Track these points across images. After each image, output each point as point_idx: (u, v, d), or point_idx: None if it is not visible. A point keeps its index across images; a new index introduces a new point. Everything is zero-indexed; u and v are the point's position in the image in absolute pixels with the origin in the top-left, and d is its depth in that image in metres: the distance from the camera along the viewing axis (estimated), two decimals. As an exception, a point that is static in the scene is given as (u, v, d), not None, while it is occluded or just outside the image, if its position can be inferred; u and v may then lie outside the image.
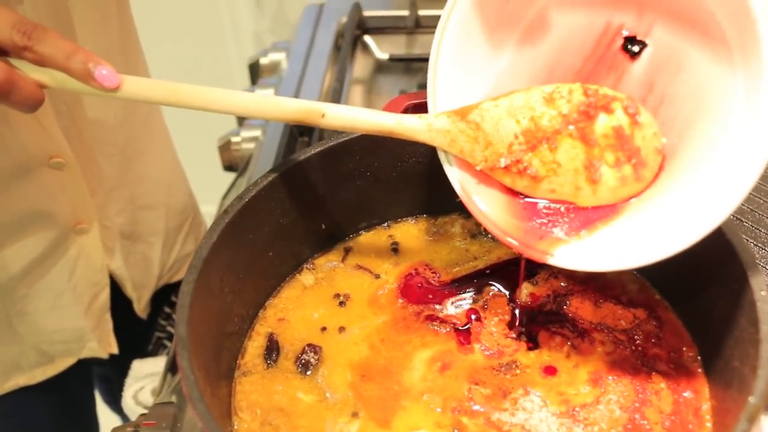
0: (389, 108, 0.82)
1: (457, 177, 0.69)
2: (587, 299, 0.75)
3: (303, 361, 0.71)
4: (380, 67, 1.36)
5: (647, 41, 0.67)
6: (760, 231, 0.88)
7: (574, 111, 0.66)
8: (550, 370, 0.70)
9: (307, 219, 0.78)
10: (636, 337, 0.71)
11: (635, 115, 0.65)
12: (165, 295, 1.25)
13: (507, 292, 0.77)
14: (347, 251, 0.82)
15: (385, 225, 0.84)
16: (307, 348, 0.72)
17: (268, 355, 0.72)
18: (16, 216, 0.96)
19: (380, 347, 0.73)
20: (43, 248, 1.00)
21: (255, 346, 0.73)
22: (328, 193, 0.78)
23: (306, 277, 0.79)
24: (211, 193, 1.49)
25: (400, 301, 0.77)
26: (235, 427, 0.67)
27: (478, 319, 0.75)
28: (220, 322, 0.69)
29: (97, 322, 1.11)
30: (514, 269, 0.77)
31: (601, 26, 0.68)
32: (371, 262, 0.80)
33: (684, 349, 0.70)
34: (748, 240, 0.86)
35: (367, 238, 0.83)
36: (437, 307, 0.76)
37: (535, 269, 0.78)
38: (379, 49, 1.37)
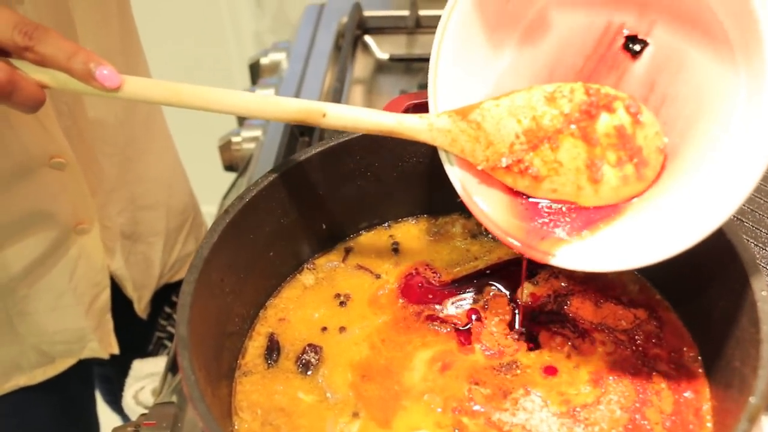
0: (390, 108, 0.82)
1: (458, 177, 0.69)
2: (588, 299, 0.75)
3: (303, 361, 0.71)
4: (381, 67, 1.36)
5: (648, 40, 0.67)
6: (761, 231, 0.87)
7: (576, 110, 0.66)
8: (550, 370, 0.70)
9: (307, 219, 0.78)
10: (637, 337, 0.71)
11: (637, 114, 0.65)
12: (165, 295, 1.25)
13: (507, 293, 0.77)
14: (348, 251, 0.82)
15: (386, 225, 0.84)
16: (307, 348, 0.72)
17: (268, 355, 0.72)
18: (17, 216, 0.96)
19: (381, 347, 0.73)
20: (44, 248, 1.00)
21: (255, 346, 0.73)
22: (329, 193, 0.78)
23: (306, 277, 0.79)
24: (212, 193, 1.49)
25: (401, 301, 0.77)
26: (236, 427, 0.67)
27: (479, 319, 0.75)
28: (221, 322, 0.69)
29: (98, 322, 1.11)
30: (514, 269, 0.77)
31: (602, 25, 0.68)
32: (372, 262, 0.80)
33: (685, 349, 0.70)
34: (748, 240, 0.86)
35: (367, 238, 0.83)
36: (438, 307, 0.76)
37: (535, 269, 0.78)
38: (380, 49, 1.37)
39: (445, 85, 0.69)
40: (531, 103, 0.66)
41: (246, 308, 0.74)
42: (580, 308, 0.74)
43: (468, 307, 0.76)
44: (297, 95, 1.27)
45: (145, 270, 1.18)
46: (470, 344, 0.72)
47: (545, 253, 0.65)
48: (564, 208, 0.68)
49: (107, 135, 1.04)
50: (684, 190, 0.63)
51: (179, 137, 1.25)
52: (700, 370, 0.69)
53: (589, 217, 0.66)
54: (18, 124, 0.90)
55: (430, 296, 0.77)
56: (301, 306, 0.77)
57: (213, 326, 0.67)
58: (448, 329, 0.74)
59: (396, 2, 1.49)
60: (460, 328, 0.74)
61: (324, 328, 0.74)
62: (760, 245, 0.86)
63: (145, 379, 1.13)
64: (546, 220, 0.67)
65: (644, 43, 0.67)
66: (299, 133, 1.15)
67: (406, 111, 0.84)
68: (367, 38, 1.40)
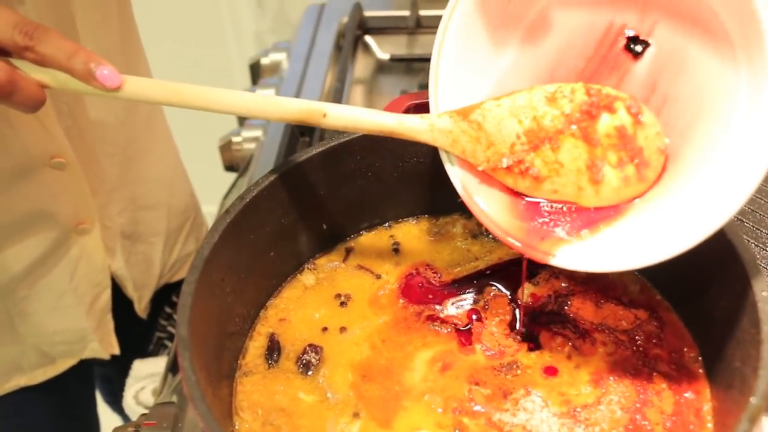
0: (390, 108, 0.82)
1: (458, 177, 0.69)
2: (588, 300, 0.75)
3: (304, 361, 0.71)
4: (381, 68, 1.36)
5: (650, 41, 0.67)
6: (761, 232, 0.87)
7: (577, 110, 0.66)
8: (551, 371, 0.70)
9: (308, 219, 0.78)
10: (637, 337, 0.71)
11: (638, 114, 0.65)
12: (165, 295, 1.25)
13: (508, 293, 0.77)
14: (348, 251, 0.82)
15: (387, 225, 0.84)
16: (308, 348, 0.72)
17: (269, 356, 0.72)
18: (18, 216, 0.96)
19: (381, 347, 0.73)
20: (45, 248, 1.00)
21: (256, 346, 0.73)
22: (330, 193, 0.78)
23: (307, 277, 0.79)
24: (212, 192, 1.49)
25: (401, 301, 0.77)
26: (237, 427, 0.67)
27: (479, 319, 0.75)
28: (222, 322, 0.69)
29: (99, 322, 1.11)
30: (515, 269, 0.77)
31: (603, 26, 0.68)
32: (372, 263, 0.80)
33: (685, 349, 0.70)
34: (749, 241, 0.86)
35: (368, 238, 0.83)
36: (438, 307, 0.76)
37: (535, 269, 0.78)
38: (380, 49, 1.37)
39: (447, 85, 0.69)
40: (532, 104, 0.66)
41: (246, 308, 0.74)
42: (581, 308, 0.74)
43: (468, 307, 0.76)
44: (297, 95, 1.27)
45: (145, 270, 1.18)
46: (471, 344, 0.72)
47: (545, 253, 0.65)
48: (564, 208, 0.68)
49: (108, 135, 1.04)
50: (685, 191, 0.63)
51: (180, 137, 1.25)
52: (701, 371, 0.68)
53: (590, 217, 0.66)
54: (18, 123, 0.90)
55: (431, 296, 0.77)
56: (301, 306, 0.77)
57: (214, 326, 0.67)
58: (449, 329, 0.74)
59: (396, 2, 1.49)
60: (461, 328, 0.74)
61: (324, 329, 0.75)
62: (760, 245, 0.86)
63: (145, 379, 1.13)
64: (546, 220, 0.67)
65: (646, 44, 0.67)
66: (300, 133, 1.15)
67: (407, 111, 0.84)
68: (368, 38, 1.40)
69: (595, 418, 0.65)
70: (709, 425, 0.64)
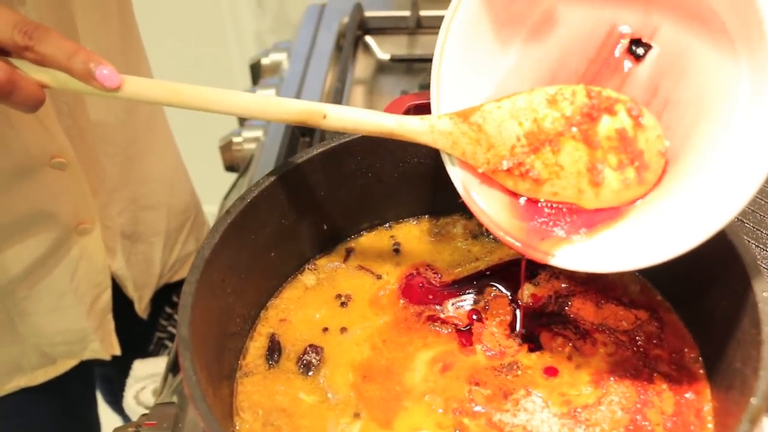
0: (391, 109, 0.82)
1: (459, 177, 0.69)
2: (589, 300, 0.75)
3: (305, 361, 0.71)
4: (381, 68, 1.37)
5: (652, 44, 0.67)
6: (762, 232, 0.87)
7: (577, 113, 0.65)
8: (551, 371, 0.70)
9: (308, 219, 0.78)
10: (637, 338, 0.72)
11: (638, 117, 0.65)
12: (165, 295, 1.25)
13: (508, 293, 0.77)
14: (349, 252, 0.82)
15: (387, 226, 0.84)
16: (308, 348, 0.72)
17: (269, 356, 0.72)
18: (18, 216, 0.96)
19: (382, 348, 0.73)
20: (45, 249, 1.00)
21: (257, 346, 0.73)
22: (330, 193, 0.78)
23: (308, 278, 0.79)
24: (213, 192, 1.49)
25: (402, 301, 0.77)
26: (237, 427, 0.67)
27: (480, 319, 0.75)
28: (222, 322, 0.69)
29: (100, 322, 1.11)
30: (515, 270, 0.77)
31: (605, 29, 0.68)
32: (373, 263, 0.80)
33: (686, 350, 0.70)
34: (749, 241, 0.86)
35: (368, 238, 0.83)
36: (438, 307, 0.76)
37: (536, 270, 0.78)
38: (381, 49, 1.38)
39: (448, 84, 0.69)
40: (532, 106, 0.66)
41: (247, 309, 0.74)
42: (581, 309, 0.74)
43: (469, 307, 0.76)
44: (298, 95, 1.27)
45: (145, 270, 1.18)
46: (471, 345, 0.73)
47: (545, 253, 0.65)
48: (564, 209, 0.67)
49: (109, 135, 1.04)
50: (686, 192, 0.63)
51: (180, 137, 1.25)
52: (701, 371, 0.69)
53: (590, 218, 0.66)
54: (18, 123, 0.90)
55: (431, 297, 0.77)
56: (302, 306, 0.77)
57: (214, 327, 0.67)
58: (449, 330, 0.74)
59: (397, 3, 1.49)
60: (461, 328, 0.74)
61: (325, 329, 0.75)
62: (761, 246, 0.86)
63: (145, 379, 1.14)
64: (547, 221, 0.67)
65: (648, 47, 0.67)
66: (300, 133, 1.15)
67: (407, 112, 0.84)
68: (368, 39, 1.40)
69: (595, 419, 0.65)
70: (710, 426, 0.64)
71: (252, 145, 1.27)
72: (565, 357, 0.71)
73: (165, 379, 1.01)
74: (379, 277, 0.79)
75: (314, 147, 0.76)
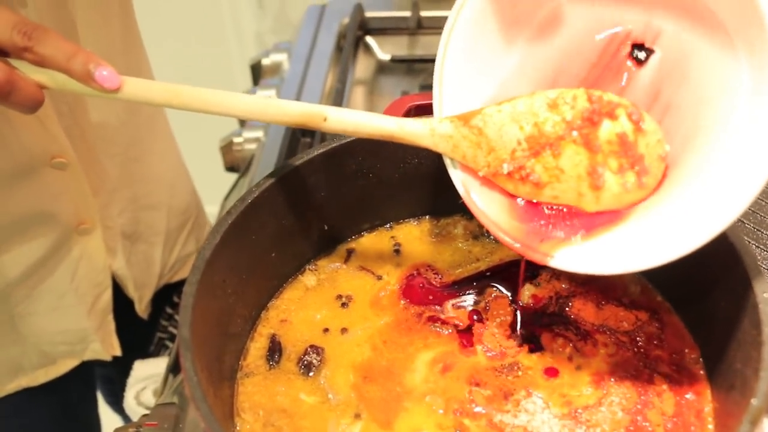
0: (392, 109, 0.82)
1: (460, 179, 0.69)
2: (589, 301, 0.75)
3: (305, 362, 0.71)
4: (382, 68, 1.37)
5: (654, 48, 0.66)
6: (763, 233, 0.87)
7: (578, 117, 0.65)
8: (552, 372, 0.70)
9: (309, 220, 0.78)
10: (638, 338, 0.72)
11: (639, 121, 0.65)
12: (166, 296, 1.26)
13: (509, 294, 0.77)
14: (349, 252, 0.82)
15: (388, 226, 0.84)
16: (309, 349, 0.72)
17: (270, 357, 0.72)
18: (18, 216, 0.97)
19: (382, 348, 0.73)
20: (46, 249, 1.00)
21: (257, 347, 0.74)
22: (331, 194, 0.78)
23: (308, 279, 0.79)
24: (213, 193, 1.49)
25: (402, 302, 0.77)
26: (238, 428, 0.67)
27: (480, 320, 0.75)
28: (223, 323, 0.69)
29: (100, 323, 1.11)
30: (515, 271, 0.77)
31: (608, 32, 0.67)
32: (373, 264, 0.81)
33: (686, 351, 0.70)
34: (750, 242, 0.86)
35: (369, 239, 0.83)
36: (439, 308, 0.76)
37: (537, 271, 0.78)
38: (381, 50, 1.38)
39: (451, 82, 0.68)
40: (533, 109, 0.66)
41: (248, 309, 0.74)
42: (582, 310, 0.74)
43: (469, 308, 0.76)
44: (298, 96, 1.27)
45: (146, 269, 1.18)
46: (472, 346, 0.73)
47: (544, 254, 0.65)
48: (565, 210, 0.67)
49: (110, 136, 1.04)
50: (687, 195, 0.63)
51: (181, 137, 1.25)
52: (702, 372, 0.69)
53: (590, 220, 0.66)
54: (19, 123, 0.90)
55: (432, 297, 0.77)
56: (302, 307, 0.77)
57: (215, 327, 0.67)
58: (450, 330, 0.74)
59: (397, 3, 1.49)
60: (462, 329, 0.74)
61: (326, 330, 0.75)
62: (761, 247, 0.86)
63: (146, 379, 1.14)
64: (547, 223, 0.67)
65: (650, 51, 0.67)
66: (301, 134, 1.15)
67: (408, 112, 0.84)
68: (369, 39, 1.40)
69: (596, 420, 0.65)
70: (710, 427, 0.64)
71: (253, 146, 1.27)
72: (566, 358, 0.71)
73: (165, 379, 1.01)
74: (379, 277, 0.79)
75: (315, 148, 0.76)
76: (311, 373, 0.71)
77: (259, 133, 1.26)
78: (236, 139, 1.28)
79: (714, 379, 0.67)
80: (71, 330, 1.08)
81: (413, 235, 0.83)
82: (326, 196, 0.78)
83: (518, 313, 0.75)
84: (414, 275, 0.79)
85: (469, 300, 0.77)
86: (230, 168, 1.32)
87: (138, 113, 1.08)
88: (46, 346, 1.07)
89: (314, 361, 0.71)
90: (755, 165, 0.58)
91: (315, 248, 0.81)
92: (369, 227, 0.84)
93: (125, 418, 1.30)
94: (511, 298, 0.76)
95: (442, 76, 0.68)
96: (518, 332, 0.73)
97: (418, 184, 0.81)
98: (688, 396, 0.67)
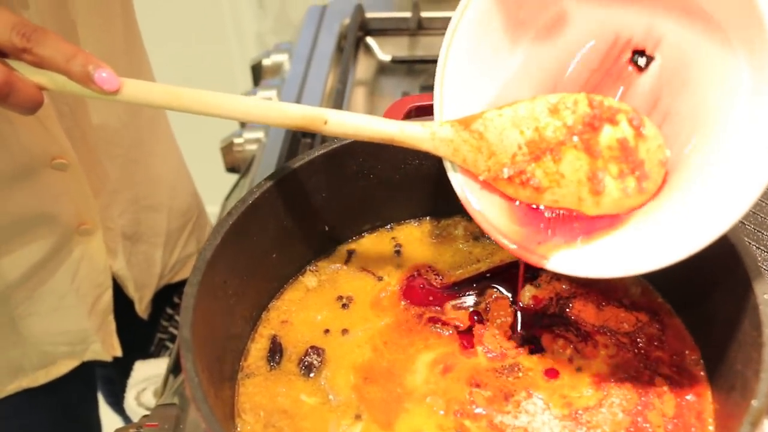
0: (393, 110, 0.82)
1: (459, 182, 0.69)
2: (590, 302, 0.75)
3: (306, 363, 0.71)
4: (383, 69, 1.37)
5: (655, 55, 0.66)
6: (763, 234, 0.87)
7: (579, 122, 0.65)
8: (552, 373, 0.70)
9: (310, 221, 0.78)
10: (639, 340, 0.72)
11: (640, 127, 0.65)
12: (166, 296, 1.26)
13: (510, 295, 0.77)
14: (350, 253, 0.82)
15: (388, 227, 0.84)
16: (310, 350, 0.72)
17: (271, 357, 0.72)
18: (19, 217, 0.97)
19: (383, 349, 0.73)
20: (47, 250, 1.00)
21: (258, 348, 0.74)
22: (331, 195, 0.78)
23: (309, 280, 0.79)
24: (214, 193, 1.49)
25: (403, 303, 0.77)
26: (239, 429, 0.67)
27: (481, 321, 0.75)
28: (224, 324, 0.69)
29: (101, 323, 1.11)
30: (516, 272, 0.77)
31: (610, 38, 0.67)
32: (374, 265, 0.81)
33: (687, 352, 0.70)
34: (750, 243, 0.86)
35: (370, 240, 0.83)
36: (440, 309, 0.76)
37: (537, 272, 0.78)
38: (382, 50, 1.38)
39: (452, 83, 0.68)
40: (534, 114, 0.66)
41: (248, 310, 0.74)
42: (582, 311, 0.74)
43: (470, 309, 0.76)
44: (299, 97, 1.27)
45: (146, 270, 1.18)
46: (472, 347, 0.73)
47: (541, 256, 0.65)
48: (564, 213, 0.67)
49: (111, 137, 1.04)
50: (687, 198, 0.62)
51: (182, 138, 1.25)
52: (702, 374, 0.69)
53: (590, 224, 0.66)
54: (19, 124, 0.90)
55: (432, 298, 0.77)
56: (303, 308, 0.77)
57: (216, 328, 0.67)
58: (450, 331, 0.74)
59: (398, 4, 1.49)
60: (462, 330, 0.74)
61: (326, 331, 0.75)
62: (761, 248, 0.86)
63: (146, 380, 1.14)
64: (546, 226, 0.67)
65: (650, 59, 0.66)
66: (301, 135, 1.15)
67: (409, 113, 0.84)
68: (369, 40, 1.40)
69: (596, 421, 0.66)
70: (711, 428, 0.64)
71: (253, 146, 1.27)
72: (566, 359, 0.71)
73: (166, 380, 1.01)
74: (380, 278, 0.79)
75: (316, 149, 0.76)
76: (312, 374, 0.71)
77: (260, 134, 1.26)
78: (237, 140, 1.28)
79: (714, 381, 0.67)
80: (72, 331, 1.08)
81: (414, 236, 0.83)
82: (327, 197, 0.78)
83: (519, 314, 0.75)
84: (414, 276, 0.79)
85: (469, 301, 0.77)
86: (231, 169, 1.32)
87: (139, 115, 1.08)
88: (47, 346, 1.07)
89: (315, 362, 0.71)
90: (756, 166, 0.58)
91: (315, 249, 0.81)
92: (370, 228, 0.84)
93: (126, 418, 1.30)
94: (511, 299, 0.76)
95: (443, 76, 0.68)
96: (519, 333, 0.73)
97: (419, 185, 0.81)
98: (688, 397, 0.67)
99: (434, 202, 0.83)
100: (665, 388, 0.67)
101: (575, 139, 0.65)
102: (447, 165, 0.69)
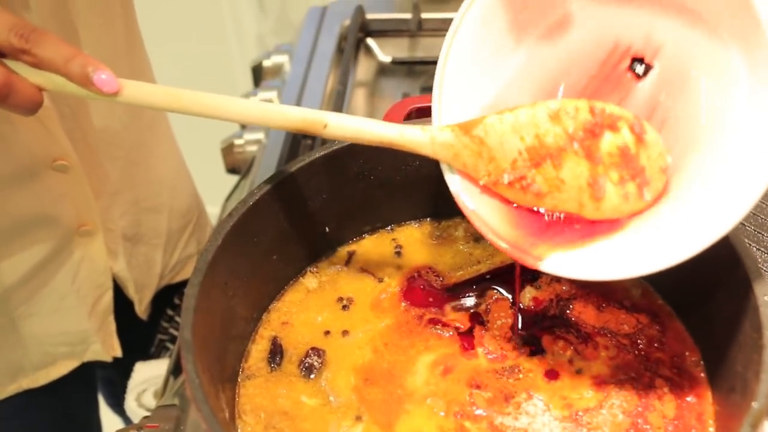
0: (393, 111, 0.82)
1: (456, 184, 0.68)
2: (590, 303, 0.75)
3: (307, 364, 0.71)
4: (383, 70, 1.37)
5: (654, 63, 0.66)
6: (763, 235, 0.87)
7: (580, 129, 0.65)
8: (552, 374, 0.70)
9: (310, 222, 0.78)
10: (639, 341, 0.72)
11: (641, 134, 0.65)
12: (166, 297, 1.26)
13: (510, 296, 0.77)
14: (351, 255, 0.82)
15: (389, 228, 0.84)
16: (310, 351, 0.72)
17: (271, 359, 0.72)
18: (20, 219, 0.97)
19: (383, 351, 0.73)
20: (47, 251, 1.00)
21: (259, 349, 0.74)
22: (332, 196, 0.78)
23: (309, 281, 0.79)
24: (215, 194, 1.49)
25: (403, 304, 0.77)
26: (239, 430, 0.67)
27: (481, 322, 0.75)
28: (224, 325, 0.69)
29: (101, 324, 1.11)
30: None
31: (609, 45, 0.67)
32: (374, 266, 0.81)
33: (687, 353, 0.70)
34: (750, 244, 0.86)
35: (370, 241, 0.83)
36: (440, 310, 0.76)
37: (538, 274, 0.78)
38: (382, 52, 1.38)
39: (452, 85, 0.68)
40: (535, 120, 0.66)
41: (249, 311, 0.74)
42: (583, 312, 0.74)
43: (470, 310, 0.76)
44: (299, 98, 1.27)
45: (146, 271, 1.18)
46: (473, 348, 0.73)
47: (536, 258, 0.64)
48: (563, 216, 0.67)
49: (112, 139, 1.04)
50: (687, 201, 0.62)
51: (182, 139, 1.25)
52: (703, 375, 0.69)
53: (589, 228, 0.66)
54: (20, 125, 0.90)
55: (432, 300, 0.77)
56: (304, 309, 0.77)
57: (216, 329, 0.67)
58: (451, 333, 0.74)
59: (398, 5, 1.49)
60: (463, 331, 0.74)
61: (327, 332, 0.75)
62: (761, 249, 0.86)
63: (147, 381, 1.14)
64: (543, 228, 0.67)
65: (649, 67, 0.66)
66: (302, 136, 1.15)
67: (409, 114, 0.84)
68: (370, 41, 1.40)
69: (597, 422, 0.66)
70: (711, 429, 0.65)
71: (253, 148, 1.27)
72: (567, 360, 0.71)
73: (166, 381, 1.01)
74: (380, 280, 0.79)
75: (316, 150, 0.76)
76: (312, 376, 0.71)
77: (260, 135, 1.26)
78: (237, 141, 1.28)
79: (715, 382, 0.67)
80: (72, 331, 1.08)
81: (414, 238, 0.83)
82: (327, 199, 0.78)
83: (519, 315, 0.75)
84: (415, 277, 0.79)
85: (469, 302, 0.77)
86: (231, 170, 1.32)
87: (140, 116, 1.08)
88: (47, 347, 1.07)
89: (315, 363, 0.71)
90: (756, 167, 0.58)
91: (316, 250, 0.81)
92: (370, 229, 0.84)
93: (126, 419, 1.30)
94: (511, 300, 0.76)
95: (443, 75, 0.68)
96: (519, 335, 0.73)
97: (419, 186, 0.81)
98: (689, 399, 0.67)
99: (434, 204, 0.83)
100: (666, 389, 0.67)
101: (576, 145, 0.65)
102: (443, 167, 0.69)
